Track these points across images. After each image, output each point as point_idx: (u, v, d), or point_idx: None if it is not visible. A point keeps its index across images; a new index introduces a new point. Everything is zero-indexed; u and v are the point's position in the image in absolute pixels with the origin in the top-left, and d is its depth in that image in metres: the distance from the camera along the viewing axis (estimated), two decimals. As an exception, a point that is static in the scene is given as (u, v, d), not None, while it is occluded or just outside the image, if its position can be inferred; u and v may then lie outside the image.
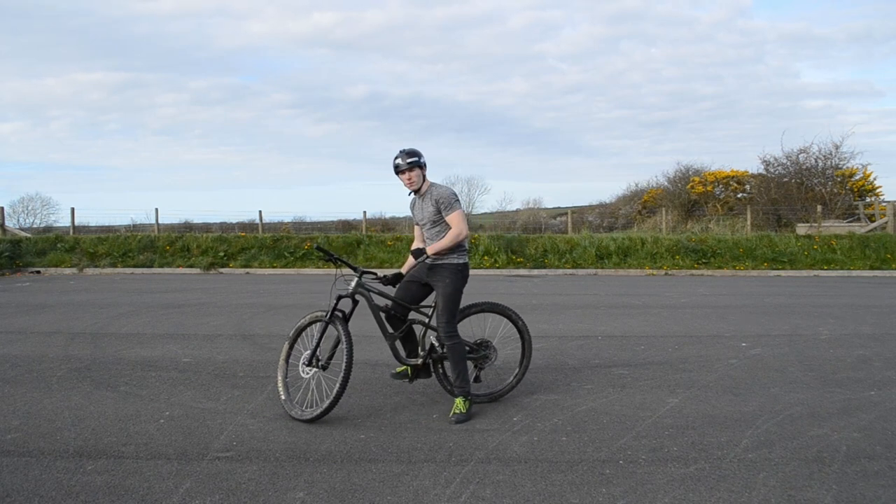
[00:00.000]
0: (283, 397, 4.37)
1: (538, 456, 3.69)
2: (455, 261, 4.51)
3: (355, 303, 4.55)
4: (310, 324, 4.50)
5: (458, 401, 4.40)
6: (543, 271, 15.49)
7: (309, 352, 4.37)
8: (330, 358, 4.40)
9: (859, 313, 8.89)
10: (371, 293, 4.54)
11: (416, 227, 4.79)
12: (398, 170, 4.48)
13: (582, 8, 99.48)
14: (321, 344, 4.39)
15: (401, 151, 4.51)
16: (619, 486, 3.30)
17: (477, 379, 4.73)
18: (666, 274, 15.32)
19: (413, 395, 4.91)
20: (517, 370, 4.91)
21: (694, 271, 15.53)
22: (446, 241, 4.44)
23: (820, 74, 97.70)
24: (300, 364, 4.39)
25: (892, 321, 8.29)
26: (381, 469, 3.52)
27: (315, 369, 4.36)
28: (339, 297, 4.44)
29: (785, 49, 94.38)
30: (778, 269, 15.60)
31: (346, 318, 4.42)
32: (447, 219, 4.47)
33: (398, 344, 4.58)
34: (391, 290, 4.71)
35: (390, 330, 4.57)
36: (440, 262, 4.51)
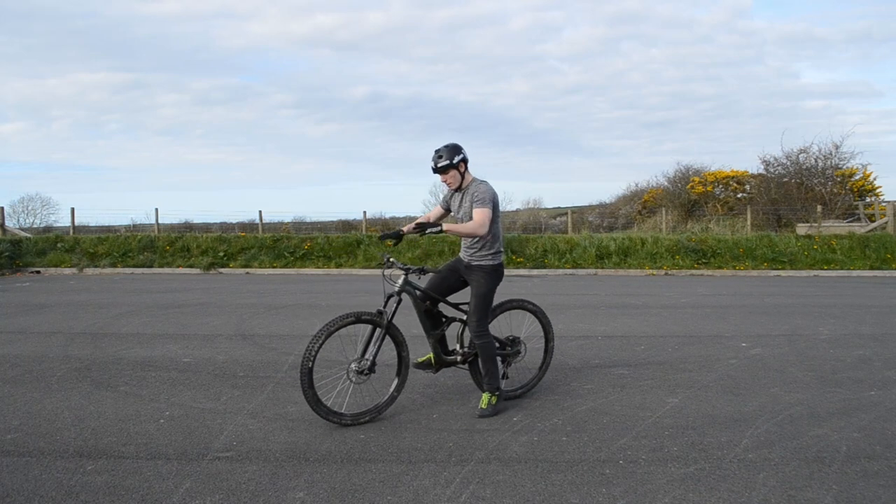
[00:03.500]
0: (310, 365, 4.00)
1: (538, 456, 3.69)
2: (490, 262, 4.51)
3: (398, 302, 4.39)
4: (351, 323, 4.24)
5: (485, 396, 4.45)
6: (543, 271, 15.48)
7: (369, 360, 4.24)
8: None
9: (859, 313, 8.88)
10: (417, 291, 4.46)
11: (433, 211, 4.74)
12: (434, 171, 4.41)
13: (582, 9, 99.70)
14: (369, 349, 4.27)
15: (435, 152, 4.39)
16: (619, 486, 3.30)
17: (504, 376, 4.75)
18: (666, 274, 15.32)
19: (413, 395, 4.91)
20: (532, 377, 5.00)
21: (694, 271, 15.52)
22: (463, 227, 4.32)
23: (819, 75, 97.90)
24: (352, 369, 4.23)
25: (892, 321, 8.29)
26: (381, 469, 3.52)
27: (366, 376, 4.28)
28: (399, 296, 4.35)
29: (784, 50, 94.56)
30: (778, 269, 15.60)
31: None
32: (473, 212, 4.37)
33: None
34: (422, 282, 4.67)
35: (432, 329, 4.53)
36: (476, 262, 4.51)
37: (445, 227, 4.28)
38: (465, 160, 4.44)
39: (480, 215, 4.32)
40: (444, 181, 4.47)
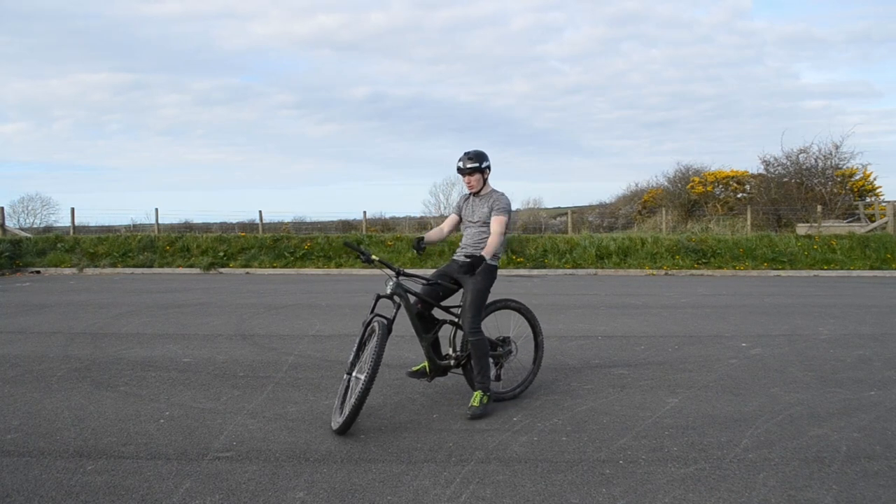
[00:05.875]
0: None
1: (538, 456, 3.69)
2: (489, 261, 4.53)
3: (398, 306, 4.37)
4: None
5: (477, 394, 4.44)
6: (543, 271, 15.48)
7: (368, 364, 4.12)
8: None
9: (859, 313, 8.89)
10: (409, 294, 4.44)
11: (448, 220, 4.88)
12: (460, 172, 4.61)
13: (583, 10, 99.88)
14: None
15: (464, 154, 4.60)
16: (619, 486, 3.30)
17: (497, 377, 4.75)
18: (666, 274, 15.32)
19: (413, 395, 4.91)
20: (527, 374, 4.97)
21: (694, 271, 15.52)
22: (491, 246, 4.50)
23: (819, 75, 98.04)
24: (354, 373, 4.18)
25: (892, 321, 8.29)
26: (381, 469, 3.51)
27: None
28: (392, 299, 4.36)
29: (784, 50, 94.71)
30: (778, 269, 15.60)
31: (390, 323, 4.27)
32: (492, 220, 4.56)
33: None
34: (416, 287, 4.65)
35: (424, 332, 4.51)
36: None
37: (485, 253, 4.46)
38: (489, 167, 4.64)
39: (499, 223, 4.56)
40: (467, 183, 4.64)
